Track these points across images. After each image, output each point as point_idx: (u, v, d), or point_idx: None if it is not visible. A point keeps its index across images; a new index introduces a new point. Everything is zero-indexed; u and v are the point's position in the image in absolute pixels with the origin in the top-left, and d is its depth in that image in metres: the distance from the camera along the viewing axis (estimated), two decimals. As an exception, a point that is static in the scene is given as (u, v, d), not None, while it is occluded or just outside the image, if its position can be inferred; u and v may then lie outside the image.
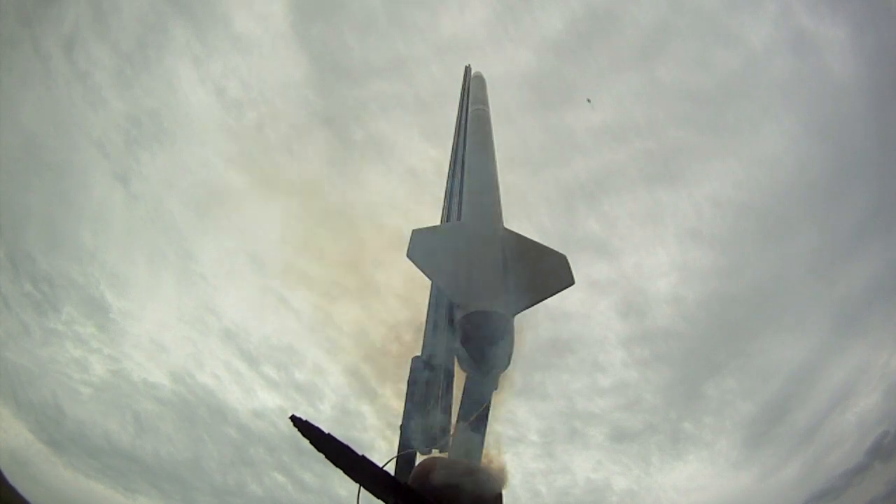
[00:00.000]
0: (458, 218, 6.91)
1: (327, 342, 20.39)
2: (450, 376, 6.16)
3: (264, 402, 20.01)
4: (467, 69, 10.52)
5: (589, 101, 17.84)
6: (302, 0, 19.03)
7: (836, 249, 18.52)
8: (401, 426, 5.91)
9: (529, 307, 5.62)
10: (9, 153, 16.67)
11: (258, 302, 20.48)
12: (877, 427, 17.76)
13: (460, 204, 7.04)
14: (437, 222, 7.88)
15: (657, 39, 18.86)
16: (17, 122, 16.77)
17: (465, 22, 18.94)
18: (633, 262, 20.05)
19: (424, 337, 6.32)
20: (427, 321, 6.50)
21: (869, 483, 16.96)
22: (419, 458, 6.03)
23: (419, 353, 6.37)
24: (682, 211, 20.07)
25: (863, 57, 18.09)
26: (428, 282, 7.13)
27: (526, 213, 21.34)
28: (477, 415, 5.70)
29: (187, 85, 19.77)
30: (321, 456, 5.44)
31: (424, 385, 6.11)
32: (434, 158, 19.09)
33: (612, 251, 19.96)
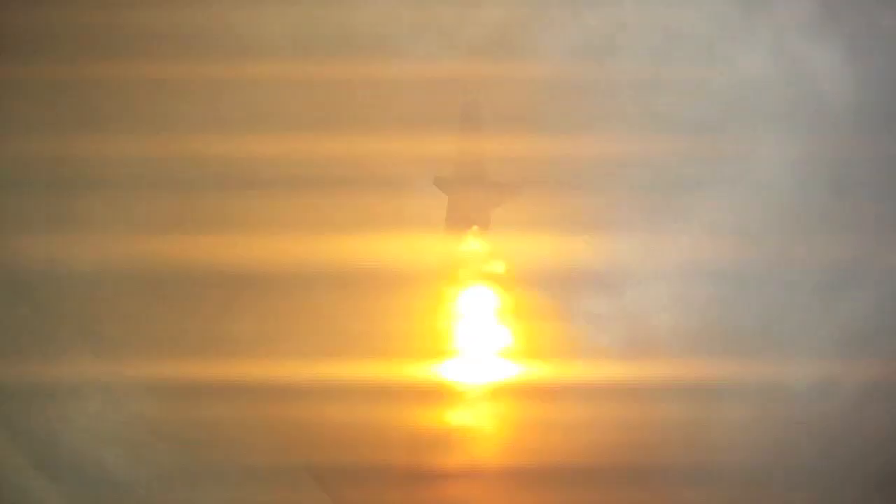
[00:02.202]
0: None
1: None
2: None
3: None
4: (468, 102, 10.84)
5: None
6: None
7: (840, 276, 18.39)
8: None
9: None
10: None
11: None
12: (878, 456, 17.57)
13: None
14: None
15: (653, 69, 18.89)
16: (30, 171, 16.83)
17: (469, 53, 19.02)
18: (634, 295, 19.71)
19: None
20: None
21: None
22: None
23: None
24: (682, 243, 19.81)
25: (857, 82, 18.23)
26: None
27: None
28: None
29: (196, 128, 19.96)
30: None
31: None
32: (441, 202, 19.10)
33: (610, 284, 19.65)
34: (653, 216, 19.72)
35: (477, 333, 12.38)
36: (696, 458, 17.65)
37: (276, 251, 14.40)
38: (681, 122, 18.93)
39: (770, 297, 18.32)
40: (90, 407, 16.47)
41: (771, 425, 18.43)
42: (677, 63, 18.46)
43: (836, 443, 17.35)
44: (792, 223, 18.24)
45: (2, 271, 14.45)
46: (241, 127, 15.01)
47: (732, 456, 18.15)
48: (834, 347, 18.08)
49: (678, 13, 17.23)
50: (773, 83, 18.19)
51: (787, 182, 17.98)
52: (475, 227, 12.04)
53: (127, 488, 16.67)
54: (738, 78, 18.34)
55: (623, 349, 19.06)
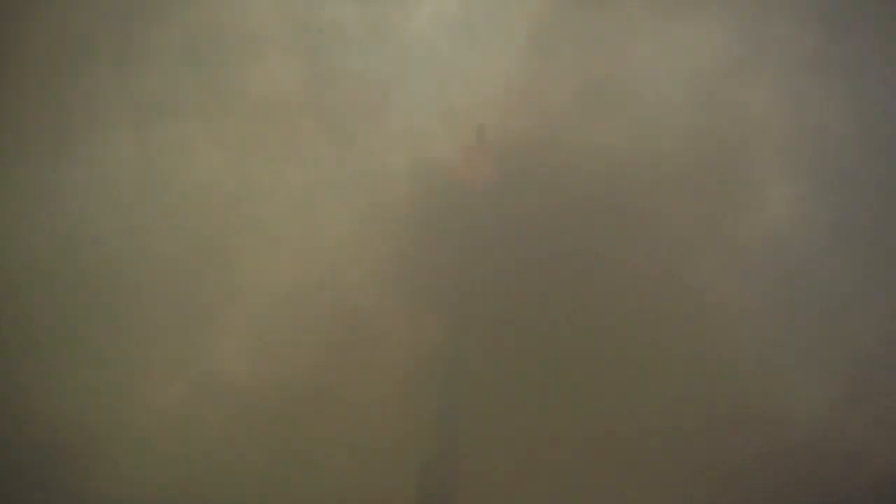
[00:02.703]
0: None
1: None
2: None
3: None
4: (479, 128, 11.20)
5: None
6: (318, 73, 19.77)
7: (842, 306, 18.57)
8: None
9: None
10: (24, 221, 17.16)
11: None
12: (891, 485, 17.60)
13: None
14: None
15: (660, 110, 19.30)
16: (34, 175, 17.33)
17: (476, 92, 19.57)
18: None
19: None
20: None
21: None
22: None
23: None
24: (689, 275, 20.22)
25: (859, 113, 18.58)
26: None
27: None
28: None
29: (201, 145, 20.40)
30: None
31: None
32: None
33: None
34: (664, 256, 20.13)
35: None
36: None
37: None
38: (688, 162, 19.44)
39: (770, 333, 18.75)
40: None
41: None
42: (683, 104, 19.01)
43: (846, 470, 17.55)
44: (802, 252, 18.61)
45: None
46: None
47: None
48: (835, 378, 18.39)
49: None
50: (778, 117, 18.66)
51: (795, 212, 18.31)
52: None
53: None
54: (743, 115, 18.82)
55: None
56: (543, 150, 14.57)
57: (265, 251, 18.99)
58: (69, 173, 18.09)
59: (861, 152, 17.87)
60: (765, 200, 18.67)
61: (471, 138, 12.98)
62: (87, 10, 16.15)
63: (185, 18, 17.10)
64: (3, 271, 15.50)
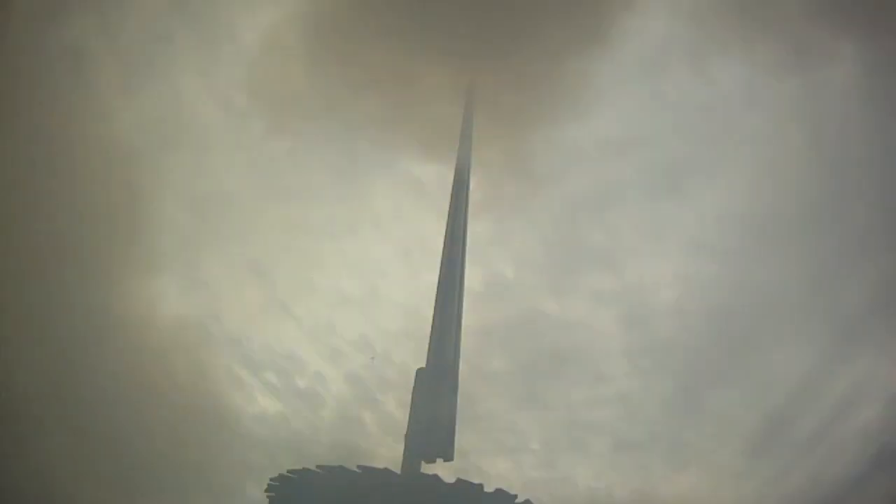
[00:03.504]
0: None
1: (329, 349, 20.61)
2: (454, 387, 6.28)
3: (265, 408, 20.15)
4: (470, 84, 10.78)
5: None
6: (309, 14, 19.31)
7: (840, 259, 18.65)
8: (406, 437, 6.00)
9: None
10: (12, 160, 16.88)
11: (260, 309, 20.69)
12: (879, 437, 17.86)
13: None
14: (438, 233, 7.85)
15: (661, 52, 19.12)
16: (20, 128, 17.00)
17: (471, 34, 19.14)
18: (637, 273, 20.24)
19: (429, 348, 6.39)
20: (432, 332, 6.60)
21: (871, 493, 17.03)
22: (423, 467, 6.09)
23: (423, 366, 6.44)
24: (686, 222, 20.27)
25: (866, 69, 18.34)
26: (433, 291, 7.17)
27: (530, 224, 21.57)
28: None
29: (193, 94, 20.06)
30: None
31: (430, 397, 6.22)
32: (438, 169, 19.24)
33: (615, 261, 20.16)
34: (658, 196, 19.63)
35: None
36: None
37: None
38: (688, 105, 18.82)
39: (771, 279, 18.35)
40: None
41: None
42: (686, 46, 18.26)
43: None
44: (796, 206, 18.24)
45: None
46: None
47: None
48: (833, 333, 18.12)
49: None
50: (782, 67, 17.95)
51: (792, 165, 18.02)
52: None
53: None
54: (747, 61, 18.10)
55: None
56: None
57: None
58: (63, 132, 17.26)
59: (865, 108, 17.26)
60: (761, 149, 18.11)
61: None
62: None
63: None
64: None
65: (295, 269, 20.37)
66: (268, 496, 6.64)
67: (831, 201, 18.67)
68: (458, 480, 5.45)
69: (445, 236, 7.36)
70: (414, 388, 6.14)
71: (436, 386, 6.09)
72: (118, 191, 18.95)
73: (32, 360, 16.79)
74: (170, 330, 19.89)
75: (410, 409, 6.08)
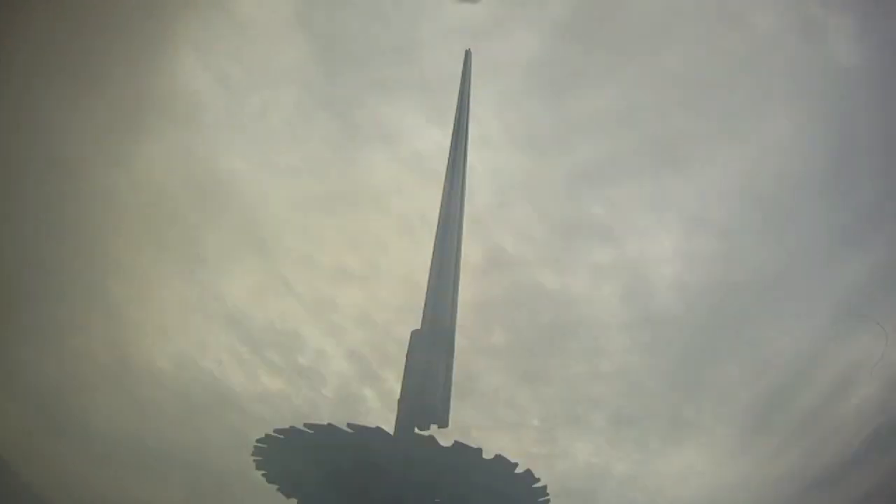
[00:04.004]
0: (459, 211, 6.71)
1: (330, 326, 20.62)
2: (450, 351, 6.00)
3: (267, 386, 20.21)
4: (467, 53, 10.51)
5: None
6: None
7: (841, 237, 18.56)
8: (398, 401, 5.73)
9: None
10: (7, 136, 16.76)
11: (261, 286, 20.66)
12: (876, 417, 17.91)
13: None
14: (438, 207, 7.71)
15: (664, 24, 18.79)
16: (14, 106, 16.86)
17: (470, 5, 18.93)
18: (637, 247, 20.19)
19: (424, 310, 6.18)
20: (427, 293, 6.36)
21: (867, 472, 17.12)
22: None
23: (418, 328, 6.17)
24: (687, 197, 20.15)
25: (870, 45, 18.06)
26: (428, 260, 6.98)
27: (530, 198, 21.43)
28: None
29: (190, 71, 19.81)
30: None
31: (424, 360, 5.93)
32: (439, 142, 19.04)
33: (616, 236, 20.10)
34: (659, 170, 19.50)
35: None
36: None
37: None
38: (691, 78, 18.61)
39: (772, 256, 18.26)
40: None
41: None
42: (689, 18, 18.02)
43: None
44: (798, 182, 18.08)
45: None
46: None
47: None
48: (832, 311, 18.05)
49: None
50: (785, 42, 17.67)
51: (794, 141, 17.86)
52: None
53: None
54: (750, 35, 17.87)
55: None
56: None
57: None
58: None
59: (868, 85, 17.00)
60: (763, 125, 17.90)
61: None
62: None
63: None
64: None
65: (295, 246, 20.35)
66: (254, 460, 6.47)
67: (833, 178, 18.58)
68: (456, 443, 5.30)
69: (442, 201, 7.18)
70: (408, 350, 5.90)
71: (431, 348, 5.83)
72: (114, 169, 18.89)
73: (38, 339, 16.96)
74: (170, 308, 19.97)
75: (404, 372, 5.84)
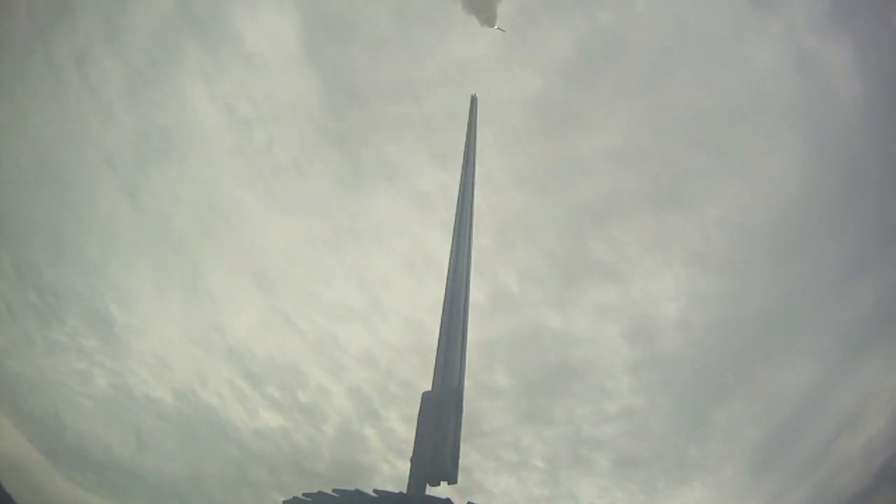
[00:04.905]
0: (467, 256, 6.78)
1: (332, 363, 20.44)
2: (459, 410, 6.28)
3: (267, 421, 19.97)
4: (473, 99, 10.68)
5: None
6: (313, 21, 19.41)
7: (844, 271, 18.50)
8: (411, 459, 6.01)
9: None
10: (18, 162, 16.95)
11: (263, 321, 20.55)
12: (885, 450, 17.61)
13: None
14: (442, 246, 7.84)
15: (664, 62, 19.07)
16: (26, 133, 17.07)
17: (475, 45, 19.28)
18: (641, 286, 20.08)
19: (435, 372, 6.36)
20: (437, 354, 6.55)
21: (878, 507, 16.73)
22: (429, 491, 6.13)
23: (429, 388, 6.44)
24: (689, 234, 20.15)
25: (867, 77, 18.27)
26: (436, 303, 7.10)
27: (533, 236, 21.46)
28: None
29: (198, 102, 20.10)
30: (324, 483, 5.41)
31: (435, 420, 6.23)
32: (442, 181, 19.21)
33: (619, 275, 20.02)
34: (662, 208, 19.51)
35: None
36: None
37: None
38: (691, 116, 18.80)
39: (776, 292, 18.15)
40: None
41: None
42: (688, 57, 18.34)
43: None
44: (800, 217, 18.12)
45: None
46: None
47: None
48: (838, 346, 17.88)
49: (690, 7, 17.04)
50: (784, 77, 17.94)
51: (795, 176, 17.96)
52: None
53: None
54: (748, 72, 18.15)
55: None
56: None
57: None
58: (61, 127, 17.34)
59: (867, 116, 17.17)
60: (764, 160, 18.05)
61: None
62: None
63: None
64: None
65: (298, 281, 20.32)
66: None
67: (836, 213, 18.59)
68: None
69: (451, 251, 7.26)
70: (419, 411, 6.19)
71: (441, 409, 6.12)
72: (120, 199, 19.05)
73: (38, 364, 16.87)
74: (172, 339, 19.83)
75: (416, 432, 6.14)
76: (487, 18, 19.02)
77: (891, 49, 17.76)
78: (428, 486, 6.02)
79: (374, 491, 5.77)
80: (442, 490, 6.15)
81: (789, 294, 19.96)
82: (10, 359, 16.91)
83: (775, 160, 19.87)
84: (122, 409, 18.52)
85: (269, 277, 20.31)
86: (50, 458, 17.40)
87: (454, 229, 7.18)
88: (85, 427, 18.03)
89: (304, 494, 6.16)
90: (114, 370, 18.96)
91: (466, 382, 6.71)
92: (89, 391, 18.34)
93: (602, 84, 18.78)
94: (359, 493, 5.73)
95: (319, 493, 6.07)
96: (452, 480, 6.04)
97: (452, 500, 5.72)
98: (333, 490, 5.97)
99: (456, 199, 8.47)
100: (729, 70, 19.36)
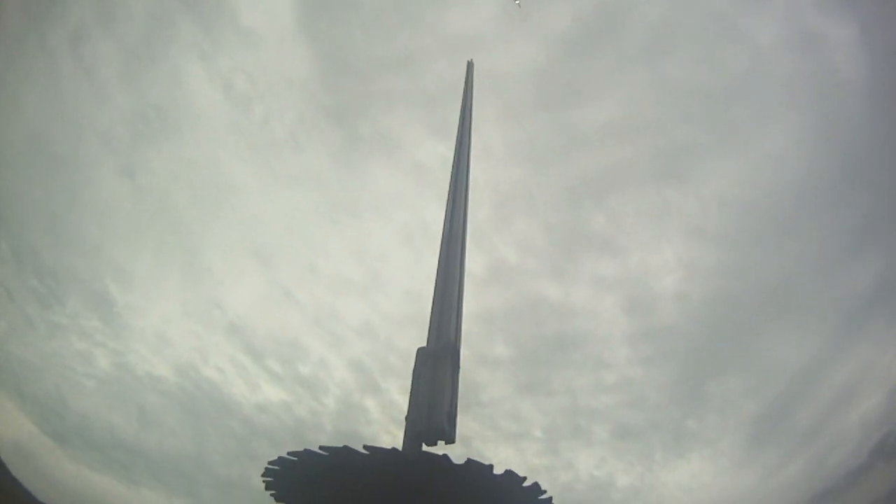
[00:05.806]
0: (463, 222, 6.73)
1: (332, 336, 20.54)
2: (456, 367, 6.10)
3: (268, 395, 20.12)
4: (469, 64, 10.55)
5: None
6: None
7: (842, 249, 18.47)
8: (406, 418, 5.86)
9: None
10: (14, 147, 16.82)
11: (263, 296, 20.60)
12: (880, 427, 17.74)
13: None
14: (442, 218, 7.79)
15: (665, 37, 18.79)
16: (22, 117, 16.91)
17: (473, 17, 18.95)
18: (639, 259, 20.08)
19: (430, 326, 6.24)
20: (433, 310, 6.43)
21: (872, 483, 16.94)
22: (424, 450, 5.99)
23: (424, 345, 6.29)
24: (688, 209, 20.09)
25: (870, 57, 18.04)
26: (433, 272, 7.06)
27: (532, 210, 21.37)
28: None
29: (193, 79, 19.86)
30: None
31: (430, 377, 6.03)
32: (440, 153, 19.05)
33: (617, 248, 20.01)
34: (661, 182, 19.41)
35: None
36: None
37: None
38: (692, 91, 18.57)
39: (774, 267, 18.16)
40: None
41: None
42: (690, 31, 18.03)
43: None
44: (799, 193, 18.05)
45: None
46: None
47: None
48: (836, 321, 17.89)
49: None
50: (786, 55, 17.67)
51: (795, 153, 17.85)
52: None
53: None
54: (750, 48, 17.90)
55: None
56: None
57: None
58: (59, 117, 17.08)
59: (868, 96, 16.99)
60: (764, 137, 17.89)
61: None
62: None
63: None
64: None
65: (297, 256, 20.31)
66: (264, 481, 6.40)
67: (834, 189, 18.50)
68: (469, 461, 5.38)
69: (445, 216, 7.20)
70: (414, 367, 5.98)
71: (437, 365, 5.91)
72: (118, 179, 18.95)
73: (40, 344, 16.96)
74: (172, 316, 19.87)
75: (411, 389, 5.92)
76: None
77: (892, 26, 17.49)
78: (425, 447, 5.83)
79: (365, 447, 5.53)
80: (439, 451, 6.00)
81: (787, 269, 19.98)
82: (12, 343, 16.94)
83: (775, 136, 19.73)
84: (124, 388, 18.64)
85: (268, 252, 20.33)
86: (55, 440, 17.55)
87: (451, 176, 7.13)
88: (88, 407, 18.14)
89: (289, 453, 5.98)
90: (115, 349, 19.05)
91: (466, 351, 6.61)
92: (91, 371, 18.45)
93: (602, 57, 18.57)
94: (348, 450, 5.49)
95: (306, 450, 5.80)
96: (450, 440, 5.81)
97: (456, 460, 5.55)
98: (321, 447, 5.72)
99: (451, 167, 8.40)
100: (730, 45, 19.12)
